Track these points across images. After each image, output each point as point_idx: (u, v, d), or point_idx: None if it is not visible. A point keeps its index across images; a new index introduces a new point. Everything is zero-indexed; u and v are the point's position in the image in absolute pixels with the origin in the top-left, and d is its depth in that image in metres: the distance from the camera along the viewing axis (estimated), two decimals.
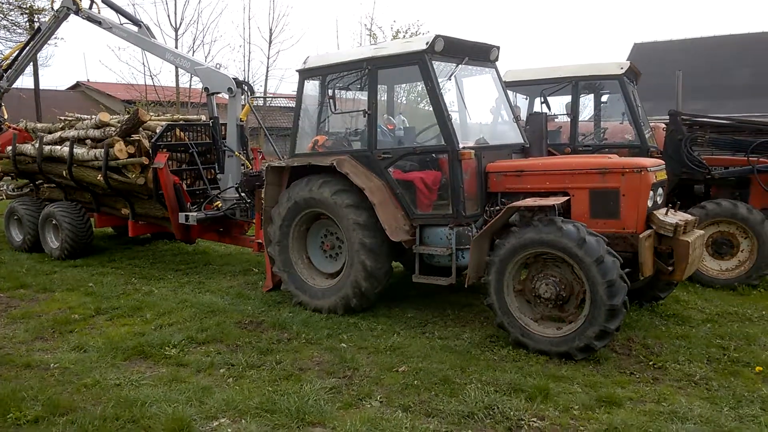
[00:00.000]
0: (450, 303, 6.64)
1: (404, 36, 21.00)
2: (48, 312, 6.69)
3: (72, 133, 9.67)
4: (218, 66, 8.46)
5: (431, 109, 6.02)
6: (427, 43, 5.79)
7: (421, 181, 6.07)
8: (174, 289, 7.62)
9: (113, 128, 8.99)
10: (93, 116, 9.59)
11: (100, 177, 8.89)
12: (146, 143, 8.48)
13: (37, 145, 9.86)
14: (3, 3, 25.72)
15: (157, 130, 8.87)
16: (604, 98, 8.81)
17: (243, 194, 8.37)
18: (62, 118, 10.85)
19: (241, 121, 8.48)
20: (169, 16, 20.64)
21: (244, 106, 8.47)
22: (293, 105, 7.25)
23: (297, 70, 6.79)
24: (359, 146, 6.49)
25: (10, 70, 10.46)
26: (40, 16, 26.66)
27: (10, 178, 11.46)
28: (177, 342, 5.51)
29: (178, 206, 8.45)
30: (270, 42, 22.68)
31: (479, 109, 6.84)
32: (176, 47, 19.15)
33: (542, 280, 5.07)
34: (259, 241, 8.28)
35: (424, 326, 5.98)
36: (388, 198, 6.04)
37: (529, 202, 5.23)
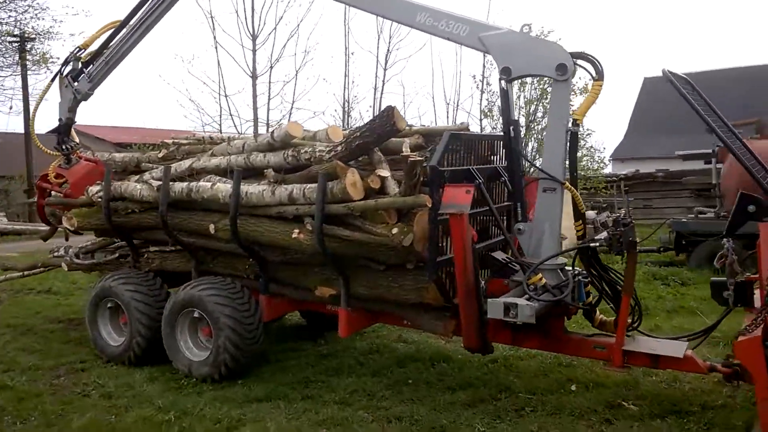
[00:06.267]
0: None
1: None
2: None
3: (225, 160, 5.68)
4: (527, 28, 4.62)
5: None
6: None
7: None
8: None
9: (320, 148, 5.07)
10: (271, 128, 5.66)
11: (298, 233, 4.93)
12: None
13: (154, 183, 5.83)
14: None
15: (403, 148, 5.01)
16: None
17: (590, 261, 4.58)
18: (168, 140, 6.87)
19: (575, 124, 4.67)
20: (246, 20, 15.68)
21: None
22: None
23: None
24: None
25: (94, 65, 6.44)
26: (34, 43, 22.70)
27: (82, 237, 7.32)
28: None
29: (475, 287, 4.49)
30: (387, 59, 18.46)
31: None
32: (254, 59, 15.05)
33: None
34: (628, 348, 4.44)
35: None
36: None
37: None
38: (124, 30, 6.32)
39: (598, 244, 4.41)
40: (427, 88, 43.36)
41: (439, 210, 4.34)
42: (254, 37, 14.84)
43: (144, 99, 61.01)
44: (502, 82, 4.84)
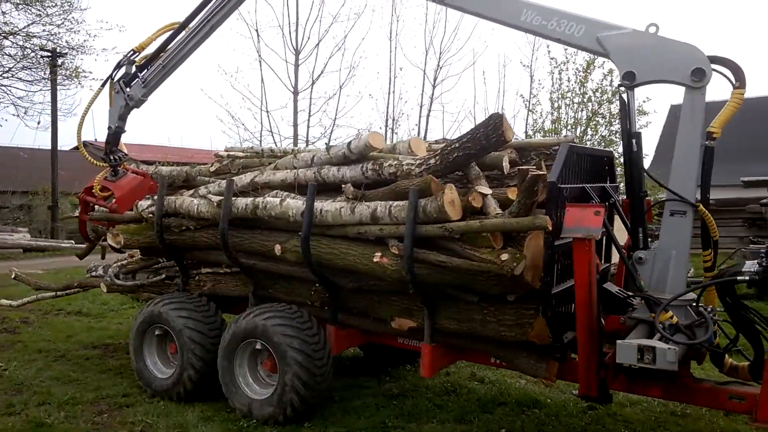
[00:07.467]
0: None
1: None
2: None
3: (292, 174, 5.12)
4: (653, 28, 4.02)
5: None
6: None
7: None
8: None
9: (408, 161, 4.50)
10: (351, 136, 5.07)
11: (380, 257, 4.32)
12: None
13: (214, 198, 5.28)
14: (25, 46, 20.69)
15: (504, 163, 4.41)
16: None
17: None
18: (221, 154, 6.33)
19: (711, 138, 4.05)
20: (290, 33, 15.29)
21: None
22: None
23: None
24: None
25: (149, 69, 5.95)
26: (65, 58, 22.40)
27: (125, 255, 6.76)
28: None
29: (598, 325, 3.84)
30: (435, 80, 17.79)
31: None
32: (296, 74, 14.58)
33: None
34: None
35: None
36: None
37: None
38: (184, 32, 5.83)
39: (747, 277, 3.75)
40: (469, 106, 41.97)
41: (562, 233, 3.72)
42: (297, 52, 14.45)
43: (168, 117, 61.23)
44: (622, 89, 4.26)
